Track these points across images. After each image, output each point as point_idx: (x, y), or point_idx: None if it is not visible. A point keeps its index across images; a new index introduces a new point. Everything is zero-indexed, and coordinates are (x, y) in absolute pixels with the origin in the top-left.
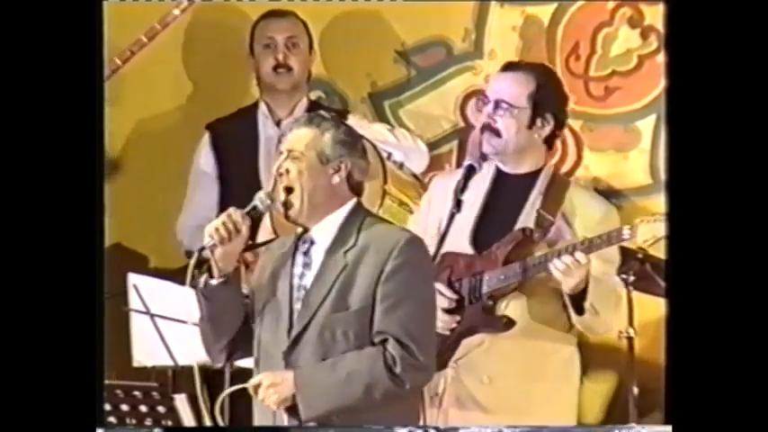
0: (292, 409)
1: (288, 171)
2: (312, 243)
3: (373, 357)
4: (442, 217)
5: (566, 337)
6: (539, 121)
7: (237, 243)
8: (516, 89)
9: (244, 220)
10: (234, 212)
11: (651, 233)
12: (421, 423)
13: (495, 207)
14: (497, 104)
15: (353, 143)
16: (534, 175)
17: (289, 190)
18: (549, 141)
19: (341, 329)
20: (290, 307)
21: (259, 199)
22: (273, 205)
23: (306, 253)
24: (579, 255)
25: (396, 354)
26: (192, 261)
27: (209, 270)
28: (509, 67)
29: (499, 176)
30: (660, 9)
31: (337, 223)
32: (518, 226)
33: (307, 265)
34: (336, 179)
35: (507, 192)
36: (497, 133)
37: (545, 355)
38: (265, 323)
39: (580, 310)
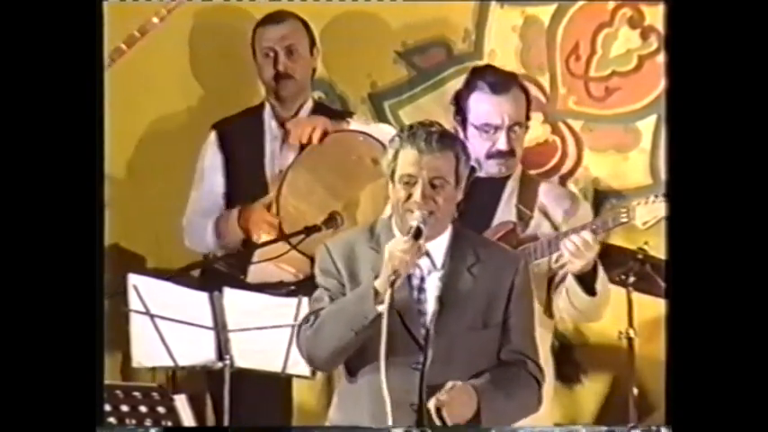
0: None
1: (435, 202)
2: (428, 256)
3: (525, 379)
4: None
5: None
6: (527, 129)
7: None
8: (520, 108)
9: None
10: (406, 243)
11: (651, 214)
12: None
13: (469, 208)
14: (511, 128)
15: (470, 156)
16: (504, 177)
17: (432, 214)
18: None
19: (476, 346)
20: (407, 320)
21: (419, 220)
22: (425, 227)
23: (419, 267)
24: (586, 234)
25: (537, 376)
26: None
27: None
28: (501, 86)
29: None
30: (660, 9)
31: (448, 237)
32: (495, 222)
33: (423, 279)
34: (459, 197)
35: (479, 193)
36: (512, 154)
37: None
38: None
39: (592, 291)
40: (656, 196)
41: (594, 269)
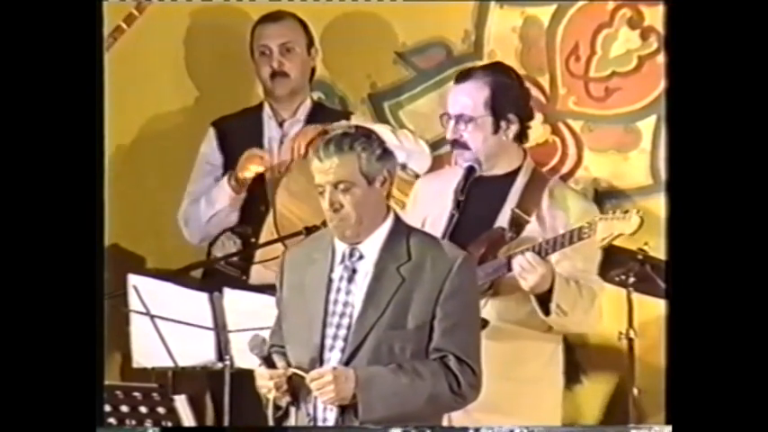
0: (346, 409)
1: (342, 205)
2: (361, 257)
3: (436, 371)
4: (426, 216)
5: (544, 336)
6: (503, 124)
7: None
8: (472, 99)
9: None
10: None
11: (608, 231)
12: None
13: (472, 208)
14: (459, 119)
15: (385, 150)
16: (512, 176)
17: (344, 218)
18: (520, 138)
19: (398, 346)
20: (324, 320)
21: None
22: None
23: (352, 268)
24: (530, 256)
25: (458, 372)
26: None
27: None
28: (462, 77)
29: (474, 179)
30: (660, 10)
31: (383, 236)
32: (496, 225)
33: (351, 280)
34: (383, 193)
35: (483, 193)
36: (466, 146)
37: (521, 356)
38: (293, 336)
39: (546, 311)
40: (616, 212)
41: (551, 289)
